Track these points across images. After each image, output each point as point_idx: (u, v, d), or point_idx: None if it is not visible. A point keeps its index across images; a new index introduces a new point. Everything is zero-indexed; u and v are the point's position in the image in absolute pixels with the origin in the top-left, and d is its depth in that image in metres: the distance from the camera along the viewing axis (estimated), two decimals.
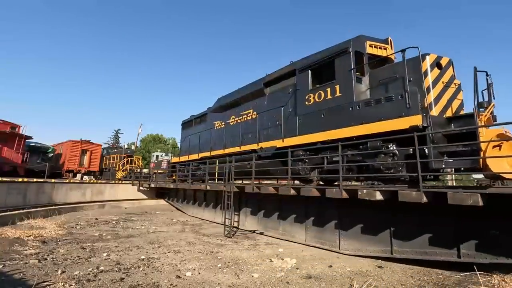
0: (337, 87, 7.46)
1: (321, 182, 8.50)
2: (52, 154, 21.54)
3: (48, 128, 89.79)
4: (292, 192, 7.48)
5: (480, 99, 6.03)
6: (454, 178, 11.61)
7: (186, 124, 16.23)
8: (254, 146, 9.88)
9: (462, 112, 6.46)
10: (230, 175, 9.36)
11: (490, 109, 5.81)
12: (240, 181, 11.55)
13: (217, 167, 11.11)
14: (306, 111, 8.24)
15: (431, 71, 6.27)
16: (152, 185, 17.21)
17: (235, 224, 10.09)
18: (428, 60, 6.31)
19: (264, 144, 9.51)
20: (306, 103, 8.28)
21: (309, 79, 8.30)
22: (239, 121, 11.34)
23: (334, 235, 7.32)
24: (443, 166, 5.70)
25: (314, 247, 7.52)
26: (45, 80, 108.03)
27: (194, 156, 13.80)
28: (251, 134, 10.41)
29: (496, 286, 4.58)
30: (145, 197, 18.02)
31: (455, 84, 6.55)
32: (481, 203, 4.51)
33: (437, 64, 6.43)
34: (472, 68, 5.75)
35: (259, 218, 9.87)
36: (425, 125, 5.79)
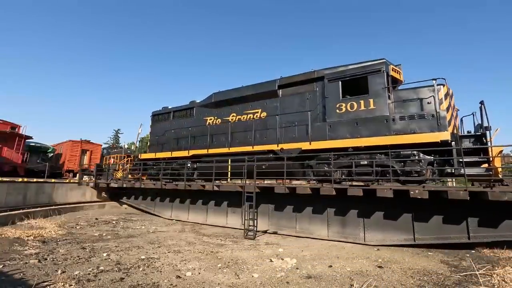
0: (371, 100, 8.50)
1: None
2: (52, 154, 21.54)
3: (48, 128, 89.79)
4: (334, 192, 7.83)
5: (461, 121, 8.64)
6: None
7: (160, 116, 14.58)
8: (271, 147, 10.00)
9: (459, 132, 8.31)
10: (253, 175, 9.19)
11: (495, 132, 7.31)
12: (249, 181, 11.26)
13: (229, 166, 10.63)
14: (337, 119, 8.96)
15: (445, 98, 7.71)
16: (114, 185, 13.73)
17: (244, 225, 9.94)
18: (443, 89, 7.75)
19: (285, 146, 9.67)
20: (338, 111, 9.00)
21: (340, 89, 9.07)
22: (242, 119, 11.26)
23: (357, 229, 8.18)
24: (462, 171, 7.01)
25: (338, 241, 8.19)
26: (45, 80, 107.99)
27: (182, 153, 12.50)
28: (260, 133, 10.53)
29: (496, 286, 4.59)
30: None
31: (456, 109, 8.22)
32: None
33: (448, 93, 7.92)
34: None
35: (270, 218, 9.78)
36: (451, 140, 7.38)
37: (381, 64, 8.57)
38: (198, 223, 11.31)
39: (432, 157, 7.58)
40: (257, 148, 10.34)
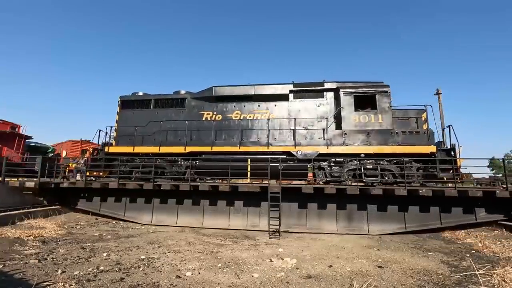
0: (380, 115, 10.23)
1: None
2: (52, 154, 21.54)
3: (48, 128, 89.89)
4: (358, 191, 8.98)
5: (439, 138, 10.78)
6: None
7: (135, 103, 12.53)
8: (288, 148, 10.51)
9: None
10: (279, 175, 9.42)
11: (460, 149, 9.79)
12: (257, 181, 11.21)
13: (249, 166, 10.30)
14: (351, 128, 10.34)
15: (425, 120, 10.19)
16: (71, 185, 10.89)
17: (251, 227, 9.92)
18: (424, 114, 10.21)
19: (302, 148, 10.39)
20: (352, 121, 10.37)
21: (353, 103, 10.46)
22: (248, 118, 11.25)
23: (361, 223, 9.58)
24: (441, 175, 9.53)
25: (346, 234, 9.29)
26: (45, 80, 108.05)
27: (175, 149, 11.27)
28: (272, 134, 10.86)
29: (496, 286, 4.59)
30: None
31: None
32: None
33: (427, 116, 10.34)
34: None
35: (281, 218, 9.64)
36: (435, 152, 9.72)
37: (386, 86, 10.43)
38: (193, 227, 10.16)
39: (419, 164, 9.78)
40: (273, 149, 10.56)
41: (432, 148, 9.69)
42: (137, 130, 11.78)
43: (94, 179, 12.30)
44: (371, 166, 9.75)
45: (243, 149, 10.80)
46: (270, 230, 8.87)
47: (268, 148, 10.58)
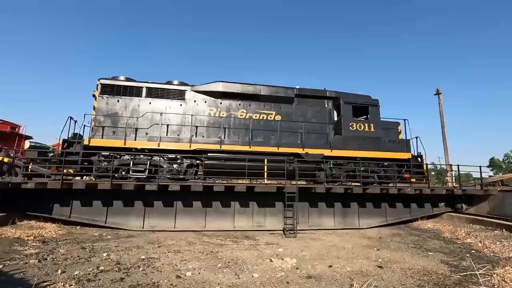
0: (372, 125, 11.83)
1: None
2: (52, 154, 21.52)
3: (48, 128, 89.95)
4: (361, 191, 10.24)
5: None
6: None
7: (118, 89, 10.64)
8: (297, 150, 11.03)
9: None
10: (295, 175, 9.76)
11: (425, 156, 12.16)
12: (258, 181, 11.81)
13: (266, 166, 10.25)
14: (350, 134, 11.55)
15: (400, 132, 12.33)
16: (40, 185, 8.62)
17: (257, 227, 9.96)
18: (399, 126, 12.37)
19: (309, 151, 11.08)
20: (350, 128, 11.61)
21: (351, 112, 11.76)
22: (254, 117, 11.29)
23: (354, 218, 10.85)
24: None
25: (341, 229, 10.29)
26: (45, 80, 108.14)
27: (177, 146, 10.27)
28: (279, 135, 11.10)
29: (496, 286, 4.59)
30: None
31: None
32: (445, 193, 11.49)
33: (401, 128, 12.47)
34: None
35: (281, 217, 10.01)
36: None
37: (376, 101, 12.16)
38: (194, 231, 9.40)
39: (397, 168, 11.40)
40: (282, 150, 10.93)
41: (409, 155, 11.80)
42: (128, 121, 10.20)
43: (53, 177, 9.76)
44: (363, 168, 10.91)
45: (253, 148, 10.69)
46: (286, 229, 9.31)
47: (278, 149, 10.86)
